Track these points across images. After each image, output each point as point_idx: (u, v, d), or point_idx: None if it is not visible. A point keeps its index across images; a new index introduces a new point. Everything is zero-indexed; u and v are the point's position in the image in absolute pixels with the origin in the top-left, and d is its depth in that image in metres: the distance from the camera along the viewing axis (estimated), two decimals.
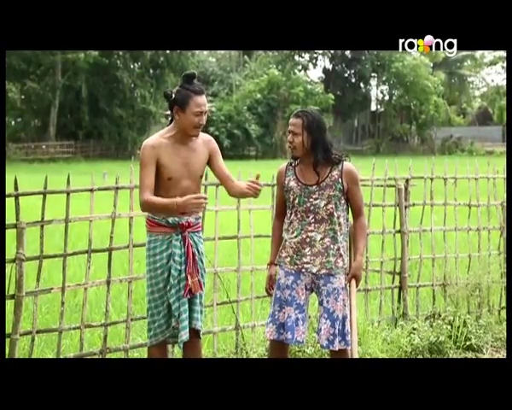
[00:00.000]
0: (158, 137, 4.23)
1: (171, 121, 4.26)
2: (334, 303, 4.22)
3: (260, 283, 6.13)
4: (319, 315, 4.29)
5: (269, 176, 5.74)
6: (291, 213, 4.30)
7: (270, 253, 4.48)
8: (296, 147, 4.21)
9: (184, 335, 4.16)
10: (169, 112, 4.30)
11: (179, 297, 4.18)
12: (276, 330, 4.27)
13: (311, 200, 4.23)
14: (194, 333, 4.26)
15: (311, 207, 4.23)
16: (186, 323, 4.18)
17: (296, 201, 4.26)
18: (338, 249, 4.24)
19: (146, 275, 4.31)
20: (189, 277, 4.18)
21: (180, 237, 4.20)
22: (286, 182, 4.33)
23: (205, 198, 4.08)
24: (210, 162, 4.35)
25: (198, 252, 4.29)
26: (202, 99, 4.15)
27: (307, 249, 4.24)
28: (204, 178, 4.77)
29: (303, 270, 4.25)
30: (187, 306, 4.20)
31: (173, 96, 4.16)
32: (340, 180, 4.23)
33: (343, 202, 4.27)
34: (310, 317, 5.59)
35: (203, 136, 4.34)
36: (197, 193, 4.23)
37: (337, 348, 4.20)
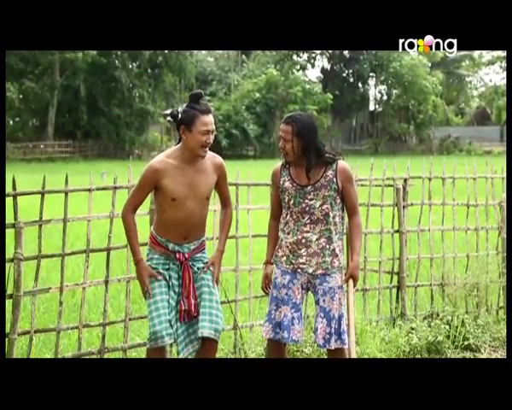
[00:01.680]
0: (163, 158, 4.18)
1: (180, 141, 4.21)
2: (331, 302, 4.22)
3: (258, 282, 6.06)
4: (315, 314, 4.29)
5: (267, 176, 5.73)
6: (287, 214, 4.30)
7: (266, 252, 4.49)
8: (288, 153, 4.20)
9: (182, 355, 4.20)
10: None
11: (177, 319, 4.20)
12: (273, 330, 4.27)
13: (306, 200, 4.22)
14: (206, 338, 4.20)
15: (307, 208, 4.22)
16: (183, 345, 4.21)
17: (291, 201, 4.25)
18: (333, 249, 4.24)
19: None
20: (182, 302, 4.19)
21: (178, 262, 4.23)
22: (281, 182, 4.32)
23: (149, 294, 4.17)
24: (215, 185, 4.33)
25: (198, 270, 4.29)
26: (209, 118, 4.10)
27: (303, 250, 4.23)
28: None
29: (299, 270, 4.25)
30: (184, 327, 4.23)
31: (180, 115, 4.14)
32: (334, 180, 4.22)
33: (338, 201, 4.27)
34: (308, 316, 5.59)
35: (215, 159, 4.29)
36: (203, 214, 4.25)
37: (333, 347, 4.22)
